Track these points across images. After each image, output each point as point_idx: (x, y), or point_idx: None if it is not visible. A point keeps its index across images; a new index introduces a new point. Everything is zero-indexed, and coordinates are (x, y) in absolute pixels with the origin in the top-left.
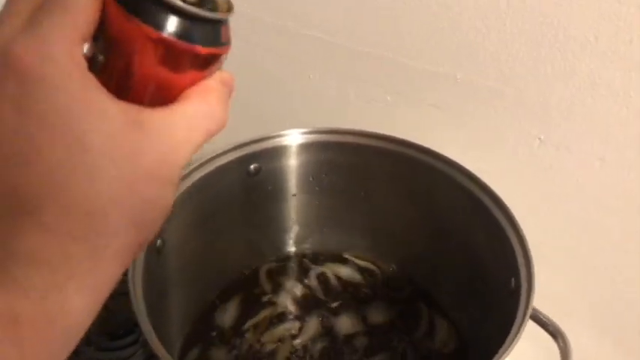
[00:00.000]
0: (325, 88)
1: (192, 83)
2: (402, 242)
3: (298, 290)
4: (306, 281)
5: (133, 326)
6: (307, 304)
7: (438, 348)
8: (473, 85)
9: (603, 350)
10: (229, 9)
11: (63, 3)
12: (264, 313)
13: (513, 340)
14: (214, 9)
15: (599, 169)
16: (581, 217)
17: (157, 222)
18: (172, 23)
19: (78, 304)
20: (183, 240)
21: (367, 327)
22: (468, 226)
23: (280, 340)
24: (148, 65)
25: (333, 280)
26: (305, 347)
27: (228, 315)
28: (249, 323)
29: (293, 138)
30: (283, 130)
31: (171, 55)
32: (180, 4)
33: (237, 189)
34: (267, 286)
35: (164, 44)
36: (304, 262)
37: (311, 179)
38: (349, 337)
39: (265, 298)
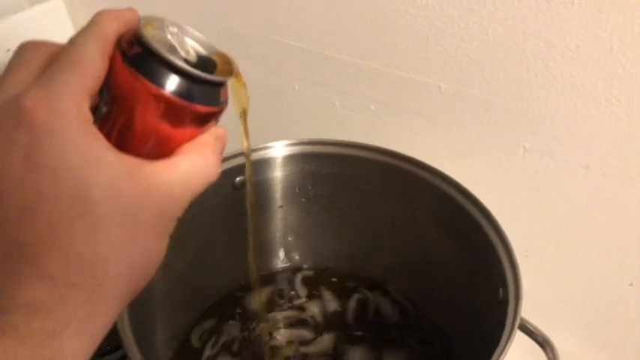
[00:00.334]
0: (310, 99)
1: (190, 138)
2: (389, 252)
3: (331, 306)
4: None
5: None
6: (332, 322)
7: None
8: (457, 94)
9: (591, 358)
10: (229, 71)
11: (74, 59)
12: (290, 313)
13: (502, 350)
14: (215, 68)
15: (583, 177)
16: (566, 225)
17: (152, 271)
18: (175, 83)
19: (74, 350)
20: (169, 257)
21: None
22: (455, 236)
23: (290, 341)
24: (149, 120)
25: (371, 308)
26: (306, 356)
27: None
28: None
29: (278, 150)
30: (268, 143)
31: (172, 112)
32: (184, 65)
33: (223, 202)
34: (301, 292)
35: (166, 102)
36: (345, 281)
37: (297, 190)
38: None
39: (298, 302)
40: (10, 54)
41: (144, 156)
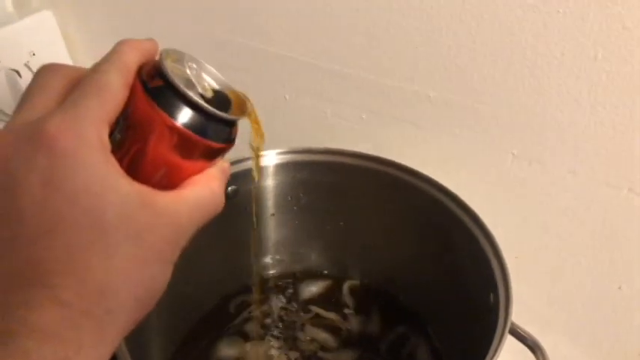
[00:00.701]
0: (302, 109)
1: (199, 171)
2: (381, 260)
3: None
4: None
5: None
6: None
7: None
8: (446, 102)
9: None
10: (243, 110)
11: (98, 87)
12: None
13: (493, 355)
14: (229, 105)
15: (571, 182)
16: (555, 229)
17: (157, 298)
18: (192, 118)
19: None
20: None
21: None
22: (446, 243)
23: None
24: (161, 150)
25: (407, 348)
26: None
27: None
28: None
29: (270, 159)
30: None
31: (185, 144)
32: (202, 102)
33: None
34: (349, 301)
35: (180, 134)
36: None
37: (289, 199)
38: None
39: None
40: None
41: (153, 184)
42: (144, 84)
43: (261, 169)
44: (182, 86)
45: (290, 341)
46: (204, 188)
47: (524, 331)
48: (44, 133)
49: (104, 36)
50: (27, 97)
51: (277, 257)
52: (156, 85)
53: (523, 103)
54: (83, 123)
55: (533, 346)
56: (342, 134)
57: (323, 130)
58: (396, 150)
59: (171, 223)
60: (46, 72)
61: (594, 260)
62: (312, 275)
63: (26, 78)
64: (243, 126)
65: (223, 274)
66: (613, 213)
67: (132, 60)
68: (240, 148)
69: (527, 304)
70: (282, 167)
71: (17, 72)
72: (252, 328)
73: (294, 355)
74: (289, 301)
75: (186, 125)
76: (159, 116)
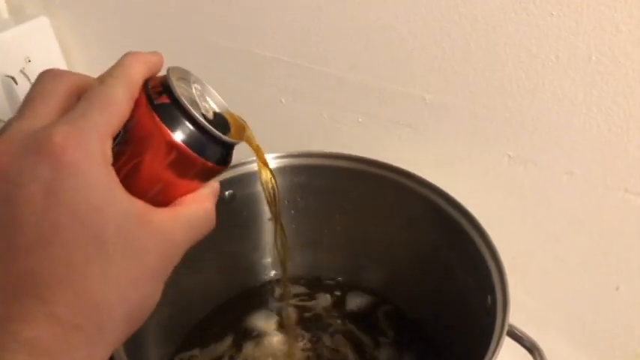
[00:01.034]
0: (298, 112)
1: (192, 190)
2: (379, 264)
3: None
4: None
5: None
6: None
7: None
8: (442, 104)
9: None
10: (240, 135)
11: (104, 100)
12: None
13: (491, 358)
14: (228, 128)
15: (567, 183)
16: (552, 231)
17: (147, 315)
18: (194, 137)
19: None
20: None
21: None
22: (443, 245)
23: None
24: (159, 166)
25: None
26: None
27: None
28: None
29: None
30: None
31: (183, 162)
32: (206, 124)
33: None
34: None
35: (180, 152)
36: None
37: (286, 203)
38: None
39: None
40: None
41: (146, 199)
42: (149, 99)
43: (275, 187)
44: (189, 106)
45: (314, 340)
46: (199, 208)
47: (522, 333)
48: (50, 144)
49: (100, 42)
50: (29, 102)
51: (275, 261)
52: (162, 102)
53: (518, 105)
54: (89, 136)
55: (531, 347)
56: (339, 138)
57: (320, 133)
58: (392, 153)
59: (166, 240)
60: (49, 78)
61: (592, 261)
62: (311, 279)
63: (22, 84)
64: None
65: (220, 279)
66: (610, 214)
67: (138, 74)
68: (235, 152)
69: (524, 305)
70: (279, 171)
71: (13, 78)
72: (285, 315)
73: (305, 354)
74: (335, 305)
75: (188, 144)
76: (161, 132)
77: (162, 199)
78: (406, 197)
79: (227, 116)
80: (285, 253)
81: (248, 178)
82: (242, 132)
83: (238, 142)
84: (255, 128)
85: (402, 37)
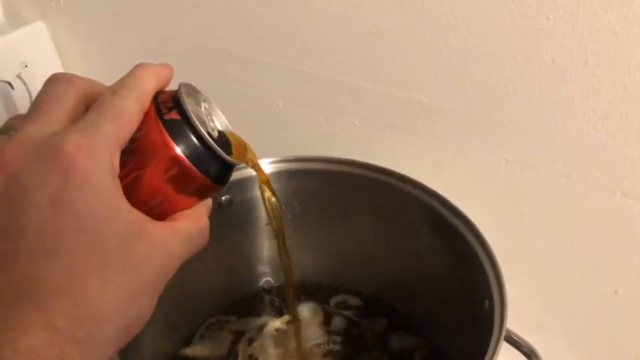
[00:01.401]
0: (295, 116)
1: (190, 206)
2: (377, 268)
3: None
4: None
5: None
6: None
7: None
8: (439, 108)
9: None
10: (242, 156)
11: (116, 112)
12: None
13: None
14: (230, 148)
15: (565, 186)
16: (550, 234)
17: (140, 329)
18: (198, 153)
19: None
20: None
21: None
22: (441, 250)
23: None
24: (161, 179)
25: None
26: None
27: None
28: None
29: (263, 167)
30: None
31: (185, 178)
32: (212, 143)
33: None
34: None
35: (183, 167)
36: None
37: (283, 208)
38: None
39: None
40: None
41: (144, 211)
42: (159, 113)
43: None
44: (199, 125)
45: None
46: (196, 225)
47: (520, 338)
48: (61, 152)
49: (97, 47)
50: (40, 106)
51: (273, 266)
52: (172, 117)
53: (515, 109)
54: (100, 147)
55: (529, 352)
56: (336, 141)
57: (316, 137)
58: (390, 157)
59: (165, 255)
60: (60, 82)
61: (590, 264)
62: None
63: (18, 89)
64: (232, 126)
65: (217, 284)
66: (607, 217)
67: (150, 87)
68: None
69: (523, 309)
70: (275, 176)
71: (9, 84)
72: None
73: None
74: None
75: (192, 160)
76: (168, 147)
77: (158, 212)
78: (404, 201)
79: (229, 136)
80: (289, 269)
81: (245, 184)
82: (243, 152)
83: (240, 164)
84: (252, 132)
85: (398, 40)
